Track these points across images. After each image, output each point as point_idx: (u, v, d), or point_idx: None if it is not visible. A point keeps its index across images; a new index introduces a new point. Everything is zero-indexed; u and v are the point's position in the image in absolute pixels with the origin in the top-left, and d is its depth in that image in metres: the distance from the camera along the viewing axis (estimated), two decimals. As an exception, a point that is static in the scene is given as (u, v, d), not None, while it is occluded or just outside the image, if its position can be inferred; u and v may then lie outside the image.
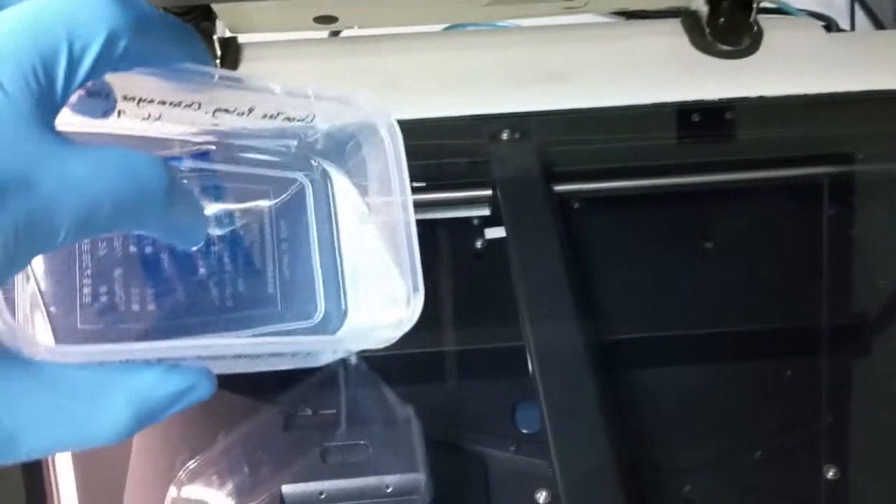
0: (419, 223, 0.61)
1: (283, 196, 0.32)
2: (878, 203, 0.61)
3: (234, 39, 0.62)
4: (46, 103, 0.21)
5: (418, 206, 0.60)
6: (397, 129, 0.30)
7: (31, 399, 0.21)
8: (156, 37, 0.24)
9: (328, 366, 0.55)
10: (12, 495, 0.50)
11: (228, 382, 0.52)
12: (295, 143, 0.32)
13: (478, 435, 0.54)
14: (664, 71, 0.60)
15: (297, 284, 0.31)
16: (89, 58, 0.22)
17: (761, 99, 0.59)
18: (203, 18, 0.59)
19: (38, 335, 0.26)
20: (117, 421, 0.22)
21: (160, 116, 0.27)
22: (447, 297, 0.59)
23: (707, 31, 0.62)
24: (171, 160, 0.30)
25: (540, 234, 0.54)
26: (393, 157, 0.30)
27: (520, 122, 0.58)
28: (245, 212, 0.31)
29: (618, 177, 0.59)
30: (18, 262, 0.20)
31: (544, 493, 0.51)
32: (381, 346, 0.29)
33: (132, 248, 0.28)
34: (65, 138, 0.21)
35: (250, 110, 0.29)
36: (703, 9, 0.61)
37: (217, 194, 0.31)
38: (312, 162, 0.33)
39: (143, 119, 0.27)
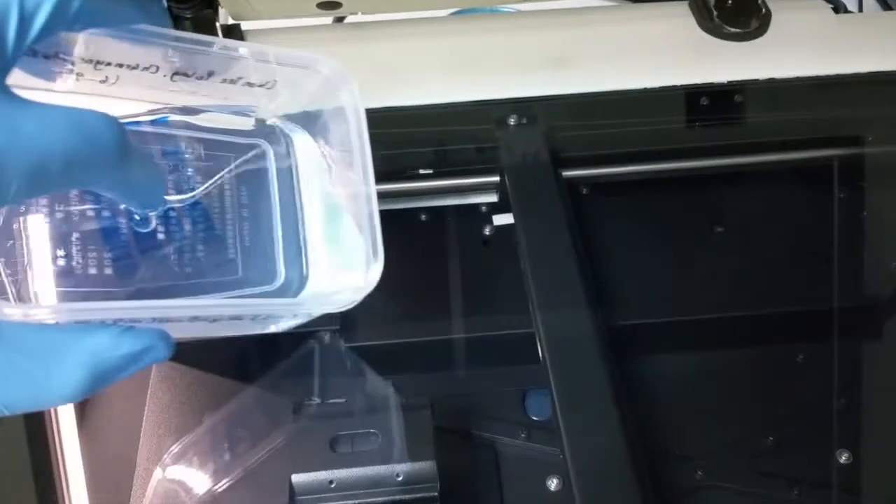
0: (427, 210, 0.62)
1: (244, 161, 0.32)
2: (889, 185, 0.61)
3: (237, 27, 0.61)
4: None
5: (426, 193, 0.61)
6: (358, 95, 0.30)
7: None
8: None
9: (335, 354, 0.55)
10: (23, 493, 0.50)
11: (238, 373, 0.52)
12: (255, 106, 0.32)
13: (488, 422, 0.54)
14: (672, 54, 0.59)
15: (257, 250, 0.31)
16: (42, 16, 0.21)
17: (770, 81, 0.58)
18: (205, 5, 0.58)
19: None
20: (72, 381, 0.23)
21: (118, 79, 0.27)
22: (456, 285, 0.58)
23: (715, 13, 0.61)
24: (128, 124, 0.29)
25: (549, 221, 0.53)
26: (354, 123, 0.30)
27: (527, 107, 0.58)
28: (205, 177, 0.31)
29: (626, 161, 0.59)
30: None
31: (555, 480, 0.51)
32: (340, 309, 0.29)
33: (90, 213, 0.28)
34: (15, 95, 0.21)
35: (210, 74, 0.28)
36: (711, -9, 0.61)
37: (176, 159, 0.31)
38: (274, 126, 0.33)
39: (101, 82, 0.27)
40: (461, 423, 0.54)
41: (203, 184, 0.31)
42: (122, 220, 0.29)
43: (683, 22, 0.61)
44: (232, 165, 0.32)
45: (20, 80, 0.22)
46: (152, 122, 0.30)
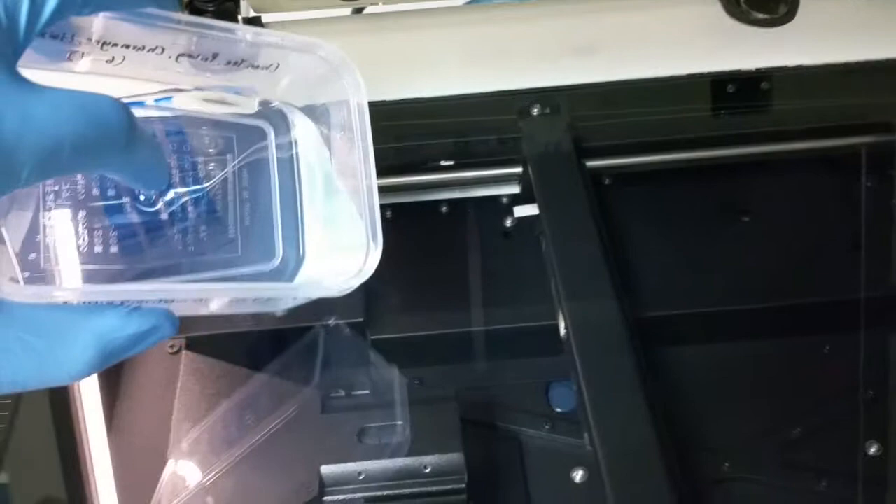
0: (448, 202, 0.61)
1: (246, 142, 0.32)
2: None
3: (258, 19, 0.61)
4: (8, 45, 0.21)
5: (446, 185, 0.61)
6: (360, 79, 0.31)
7: None
8: None
9: (360, 346, 0.55)
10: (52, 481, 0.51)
11: (266, 365, 0.52)
12: (258, 89, 0.32)
13: (511, 414, 0.54)
14: (698, 41, 0.59)
15: (256, 230, 0.32)
16: (53, 0, 0.22)
17: (799, 68, 0.57)
18: (227, -1, 0.58)
19: (3, 273, 0.26)
20: (81, 360, 0.23)
21: (124, 60, 0.27)
22: (476, 277, 0.58)
23: (742, -1, 0.60)
24: (133, 104, 0.30)
25: (574, 211, 0.53)
26: (355, 107, 0.31)
27: (550, 96, 0.57)
28: (208, 157, 0.32)
29: (652, 151, 0.58)
30: None
31: (580, 472, 0.51)
32: (339, 294, 0.29)
33: (95, 191, 0.29)
34: (26, 80, 0.21)
35: (214, 56, 0.29)
36: (738, -24, 0.60)
37: (180, 139, 0.31)
38: (276, 109, 0.33)
39: (107, 62, 0.27)
40: (485, 415, 0.54)
41: (206, 164, 0.31)
42: (127, 199, 0.29)
43: (709, 8, 0.61)
44: (234, 146, 0.32)
45: (27, 57, 0.22)
46: (157, 102, 0.31)
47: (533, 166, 0.56)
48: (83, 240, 0.28)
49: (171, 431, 0.51)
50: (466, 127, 0.59)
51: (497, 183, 0.60)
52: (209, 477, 0.48)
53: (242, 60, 0.29)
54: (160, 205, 0.30)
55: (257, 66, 0.30)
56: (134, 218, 0.29)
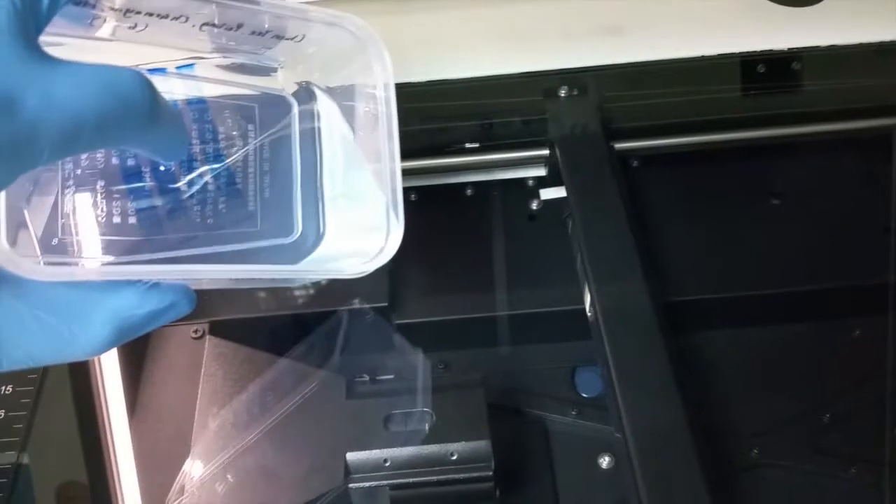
0: (473, 185, 0.61)
1: (269, 113, 0.32)
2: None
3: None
4: (30, 20, 0.20)
5: (472, 168, 0.60)
6: (387, 55, 0.30)
7: (14, 312, 0.22)
8: None
9: (385, 331, 0.54)
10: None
11: (290, 350, 0.52)
12: (282, 60, 0.32)
13: (537, 399, 0.53)
14: (728, 20, 0.57)
15: (276, 203, 0.31)
16: None
17: (831, 48, 0.56)
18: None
19: (22, 251, 0.25)
20: (98, 337, 0.23)
21: (146, 27, 0.27)
22: (501, 260, 0.58)
23: (773, -23, 0.59)
24: (154, 71, 0.29)
25: (604, 194, 0.52)
26: (381, 83, 0.30)
27: (577, 77, 0.56)
28: (229, 128, 0.31)
29: (681, 132, 0.57)
30: (1, 181, 0.20)
31: (607, 458, 0.50)
32: (358, 275, 0.28)
33: (114, 161, 0.28)
34: (48, 56, 0.20)
35: (239, 26, 0.28)
36: (769, -46, 0.59)
37: (201, 109, 0.31)
38: (299, 82, 0.32)
39: (130, 29, 0.27)
40: (510, 400, 0.53)
41: (227, 135, 0.31)
42: (146, 170, 0.29)
43: (740, -13, 0.59)
44: (256, 117, 0.32)
45: (50, 26, 0.22)
46: (179, 69, 0.30)
47: (560, 148, 0.55)
48: (102, 210, 0.28)
49: (195, 416, 0.51)
50: (492, 109, 0.58)
51: (523, 165, 0.59)
52: (233, 462, 0.48)
53: (267, 31, 0.29)
54: (180, 176, 0.29)
55: (282, 38, 0.29)
56: (153, 189, 0.29)
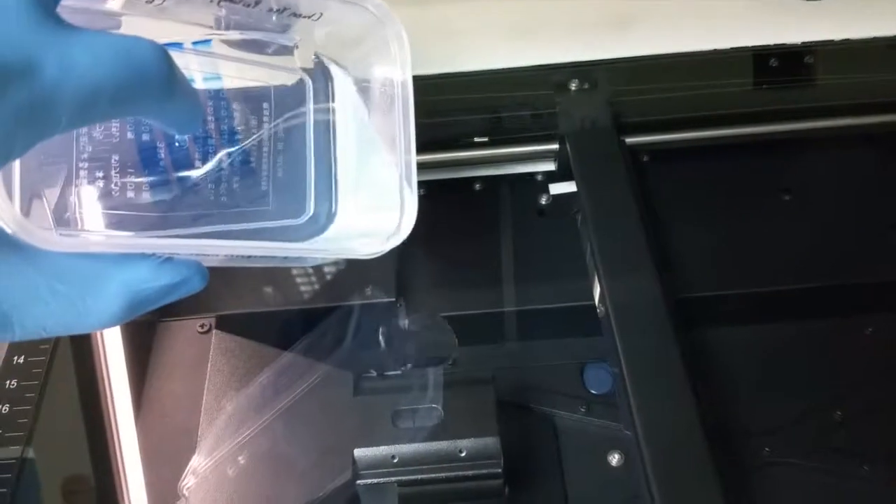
0: (482, 179, 0.60)
1: (284, 93, 0.32)
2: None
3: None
4: None
5: (481, 162, 0.59)
6: (405, 34, 0.30)
7: (28, 282, 0.22)
8: None
9: (395, 327, 0.54)
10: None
11: (296, 345, 0.51)
12: (298, 38, 0.31)
13: (546, 396, 0.53)
14: (740, 13, 0.57)
15: (289, 183, 0.31)
16: None
17: (845, 42, 0.55)
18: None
19: (36, 221, 0.25)
20: (110, 310, 0.23)
21: (164, 1, 0.27)
22: (510, 256, 0.57)
23: (786, -31, 0.58)
24: (171, 45, 0.29)
25: (615, 189, 0.52)
26: (399, 62, 0.30)
27: (588, 71, 0.56)
28: (244, 105, 0.31)
29: (693, 127, 0.56)
30: (18, 150, 0.20)
31: (616, 456, 0.50)
32: (372, 255, 0.29)
33: (129, 135, 0.28)
34: (66, 24, 0.21)
35: (257, 2, 0.28)
36: (782, -54, 0.58)
37: (216, 86, 0.30)
38: (315, 60, 0.32)
39: (147, 2, 0.27)
40: (519, 396, 0.53)
41: (242, 113, 0.31)
42: (161, 146, 0.29)
43: (753, -21, 0.59)
44: (271, 95, 0.31)
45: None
46: (195, 45, 0.30)
47: (571, 143, 0.55)
48: (116, 184, 0.28)
49: (201, 411, 0.51)
50: (501, 102, 0.57)
51: (532, 160, 0.58)
52: (240, 458, 0.47)
53: (285, 8, 0.29)
54: (195, 154, 0.29)
55: (300, 15, 0.29)
56: (168, 165, 0.29)
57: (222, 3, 0.28)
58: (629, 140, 0.56)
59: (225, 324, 0.55)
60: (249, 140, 0.31)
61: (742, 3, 0.58)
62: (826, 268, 0.55)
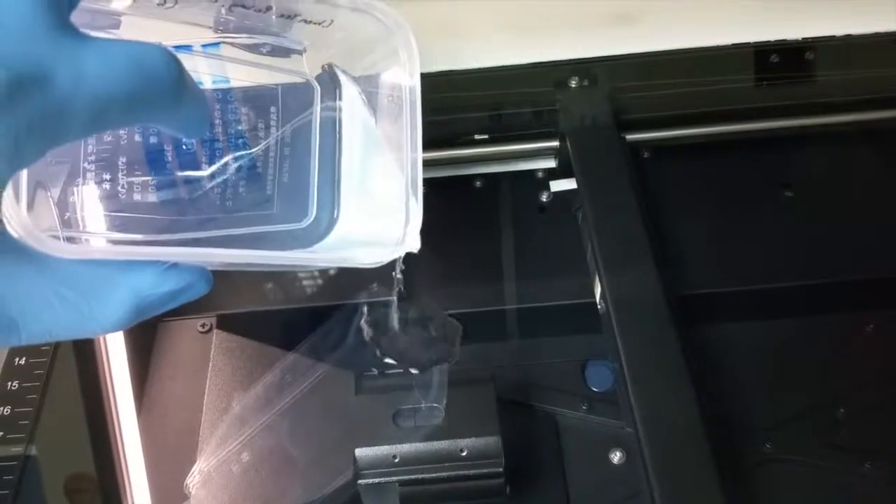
0: (482, 177, 0.60)
1: (292, 97, 0.32)
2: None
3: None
4: None
5: (481, 159, 0.59)
6: (414, 43, 0.30)
7: (35, 287, 0.22)
8: None
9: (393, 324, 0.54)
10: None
11: (297, 345, 0.51)
12: (307, 43, 0.31)
13: (548, 394, 0.53)
14: (741, 9, 0.56)
15: (293, 187, 0.31)
16: None
17: (847, 38, 0.55)
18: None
19: (41, 221, 0.25)
20: (115, 315, 0.24)
21: (175, 4, 0.27)
22: (511, 253, 0.57)
23: (787, -35, 0.58)
24: (180, 48, 0.29)
25: (616, 186, 0.52)
26: (407, 70, 0.30)
27: (588, 68, 0.56)
28: (252, 110, 0.31)
29: (694, 123, 0.56)
30: (29, 157, 0.20)
31: (618, 453, 0.50)
32: (374, 265, 0.29)
33: (137, 138, 0.28)
34: (79, 32, 0.21)
35: (268, 8, 0.28)
36: (783, -60, 0.58)
37: (224, 90, 0.31)
38: (323, 67, 0.32)
39: (158, 5, 0.27)
40: (520, 394, 0.53)
41: (250, 118, 0.31)
42: (168, 149, 0.29)
43: (754, -25, 0.58)
44: (279, 100, 0.32)
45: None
46: (204, 48, 0.30)
47: (571, 140, 0.55)
48: (123, 187, 0.28)
49: (202, 410, 0.51)
50: (501, 100, 0.57)
51: (533, 157, 0.58)
52: (242, 456, 0.47)
53: (295, 14, 0.29)
54: (202, 157, 0.30)
55: (310, 21, 0.29)
56: (175, 169, 0.29)
57: (234, 9, 0.28)
58: (630, 137, 0.55)
59: (226, 323, 0.55)
60: (258, 147, 0.31)
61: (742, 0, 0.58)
62: (827, 264, 0.55)
